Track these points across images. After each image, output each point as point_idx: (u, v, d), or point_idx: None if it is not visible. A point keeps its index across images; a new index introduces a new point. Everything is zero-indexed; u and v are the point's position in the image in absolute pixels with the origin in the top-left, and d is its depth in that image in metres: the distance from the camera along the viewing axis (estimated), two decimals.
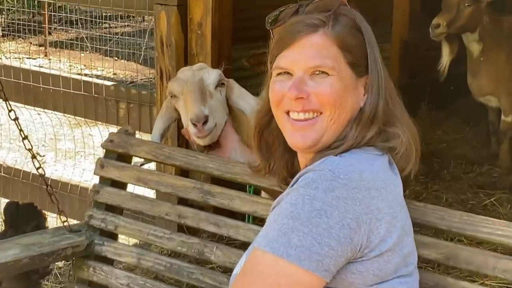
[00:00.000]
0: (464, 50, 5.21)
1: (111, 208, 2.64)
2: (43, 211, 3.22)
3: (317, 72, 1.81)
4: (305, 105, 1.82)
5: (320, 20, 1.82)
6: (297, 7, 1.87)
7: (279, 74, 1.87)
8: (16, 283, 2.95)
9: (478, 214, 2.07)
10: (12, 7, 9.76)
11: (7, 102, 2.78)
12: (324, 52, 1.81)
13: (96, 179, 2.70)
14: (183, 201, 2.77)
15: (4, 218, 3.18)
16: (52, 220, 4.04)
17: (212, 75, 2.81)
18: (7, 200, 4.02)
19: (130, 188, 2.74)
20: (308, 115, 1.83)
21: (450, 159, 5.47)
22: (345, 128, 1.84)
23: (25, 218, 3.08)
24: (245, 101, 2.92)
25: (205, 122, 2.63)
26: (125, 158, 2.67)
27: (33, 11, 10.22)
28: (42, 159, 5.89)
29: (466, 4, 4.89)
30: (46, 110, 4.72)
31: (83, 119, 4.66)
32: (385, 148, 1.83)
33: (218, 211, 2.52)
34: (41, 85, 4.35)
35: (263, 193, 2.68)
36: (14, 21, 9.49)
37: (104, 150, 2.70)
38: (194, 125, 2.63)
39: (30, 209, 3.19)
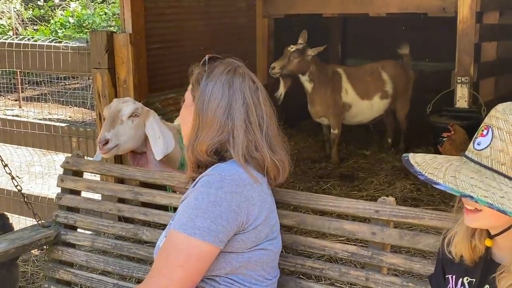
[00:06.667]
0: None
1: (71, 209, 2.57)
2: (5, 214, 3.09)
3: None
4: None
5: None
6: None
7: None
8: None
9: None
10: None
11: None
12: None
13: (58, 189, 2.66)
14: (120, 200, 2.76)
15: None
16: (27, 221, 3.93)
17: (128, 108, 2.68)
18: None
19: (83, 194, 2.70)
20: None
21: (300, 160, 5.55)
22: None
23: None
24: (150, 128, 2.78)
25: (106, 143, 2.57)
26: (78, 173, 2.63)
27: (10, 76, 9.94)
28: (20, 180, 5.67)
29: (294, 56, 5.04)
30: (20, 146, 4.59)
31: (47, 150, 4.56)
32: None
33: (145, 204, 2.50)
34: (15, 129, 4.22)
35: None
36: None
37: (63, 169, 2.66)
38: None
39: None
